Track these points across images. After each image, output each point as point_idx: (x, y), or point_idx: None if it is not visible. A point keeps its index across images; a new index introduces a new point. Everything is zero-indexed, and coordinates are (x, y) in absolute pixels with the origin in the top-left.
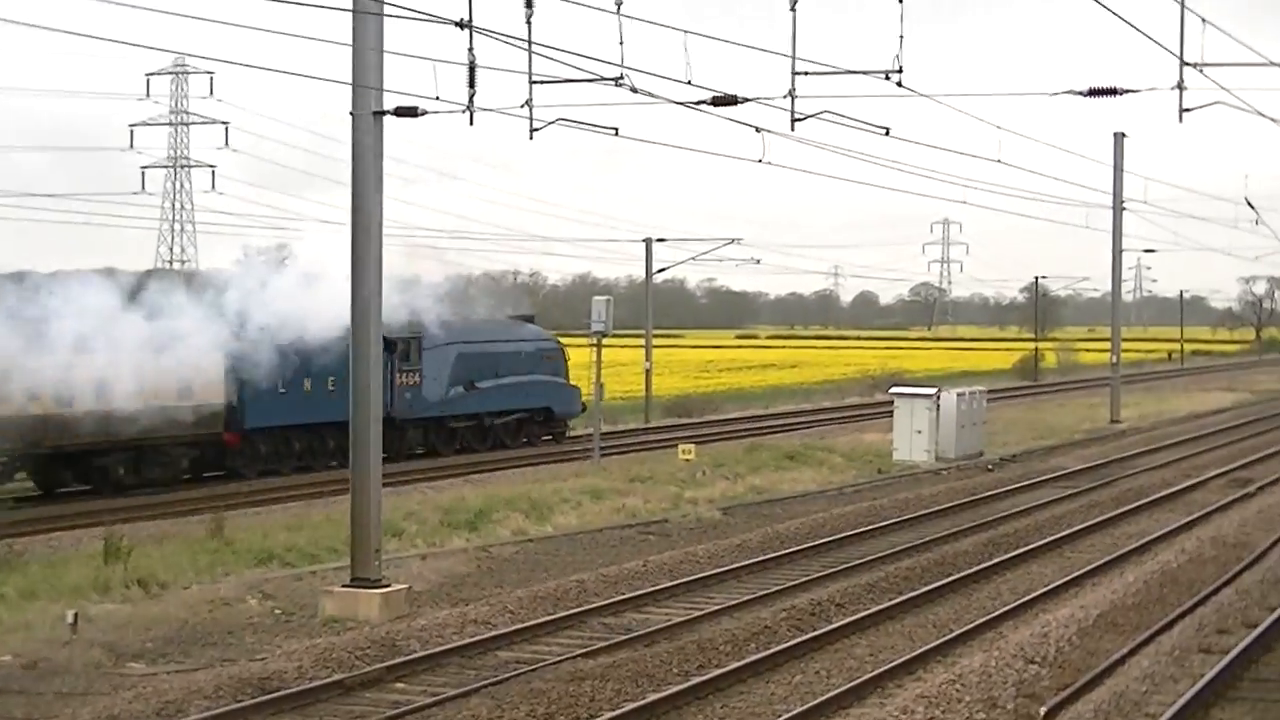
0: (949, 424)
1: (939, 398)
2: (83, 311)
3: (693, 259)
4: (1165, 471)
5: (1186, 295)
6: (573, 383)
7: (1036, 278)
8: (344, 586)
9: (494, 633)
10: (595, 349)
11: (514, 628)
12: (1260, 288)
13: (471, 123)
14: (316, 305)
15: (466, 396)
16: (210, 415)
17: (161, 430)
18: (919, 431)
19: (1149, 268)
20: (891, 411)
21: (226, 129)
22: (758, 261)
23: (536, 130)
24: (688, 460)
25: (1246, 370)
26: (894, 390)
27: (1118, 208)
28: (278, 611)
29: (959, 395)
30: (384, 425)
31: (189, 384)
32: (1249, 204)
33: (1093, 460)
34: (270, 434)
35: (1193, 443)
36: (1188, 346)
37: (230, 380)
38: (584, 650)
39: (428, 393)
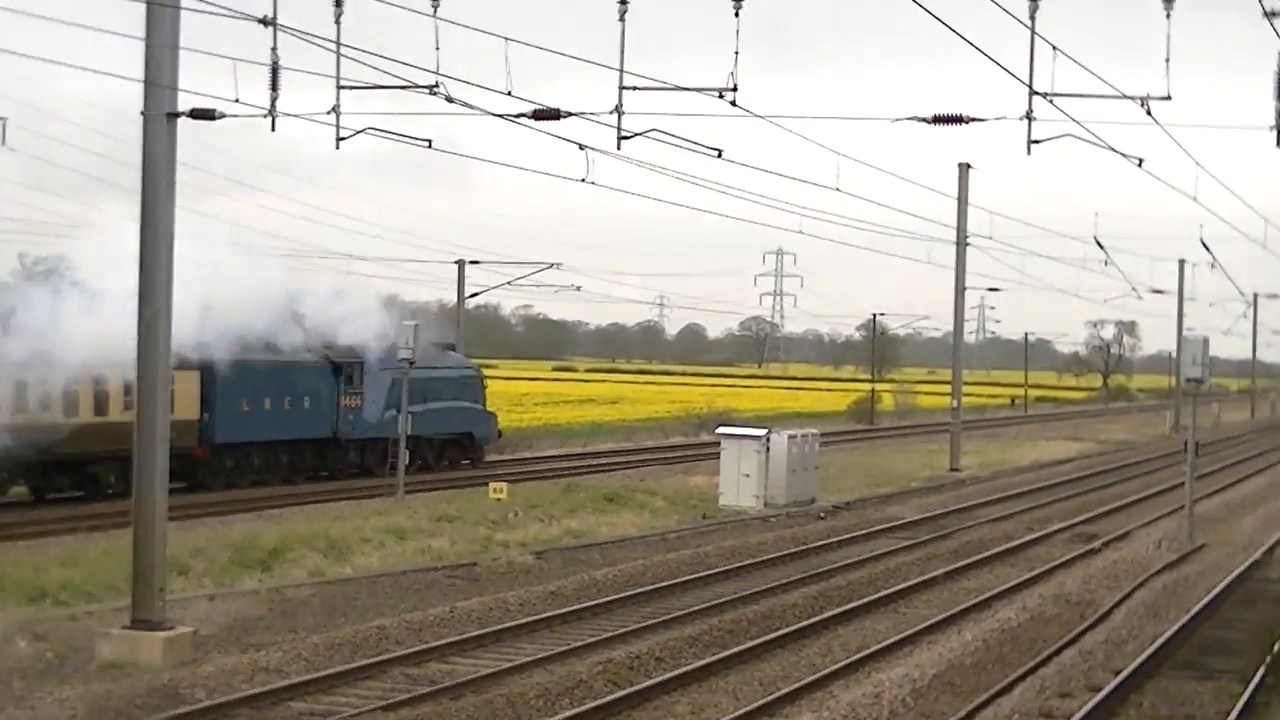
0: (779, 468)
1: (769, 440)
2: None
3: (509, 283)
4: (1007, 524)
5: (1032, 338)
6: (489, 409)
7: (875, 315)
8: (124, 628)
9: (287, 682)
10: (402, 379)
11: (309, 676)
12: (1108, 332)
13: (274, 128)
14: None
15: (395, 420)
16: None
17: None
18: (747, 475)
19: (993, 307)
20: (718, 453)
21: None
22: (578, 288)
23: (344, 139)
24: (499, 500)
25: (1093, 418)
26: (721, 430)
27: (961, 242)
28: (50, 655)
29: (790, 438)
30: (327, 444)
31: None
32: (1098, 243)
33: (931, 510)
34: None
35: (1036, 494)
36: (1032, 392)
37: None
38: (384, 703)
39: (368, 414)
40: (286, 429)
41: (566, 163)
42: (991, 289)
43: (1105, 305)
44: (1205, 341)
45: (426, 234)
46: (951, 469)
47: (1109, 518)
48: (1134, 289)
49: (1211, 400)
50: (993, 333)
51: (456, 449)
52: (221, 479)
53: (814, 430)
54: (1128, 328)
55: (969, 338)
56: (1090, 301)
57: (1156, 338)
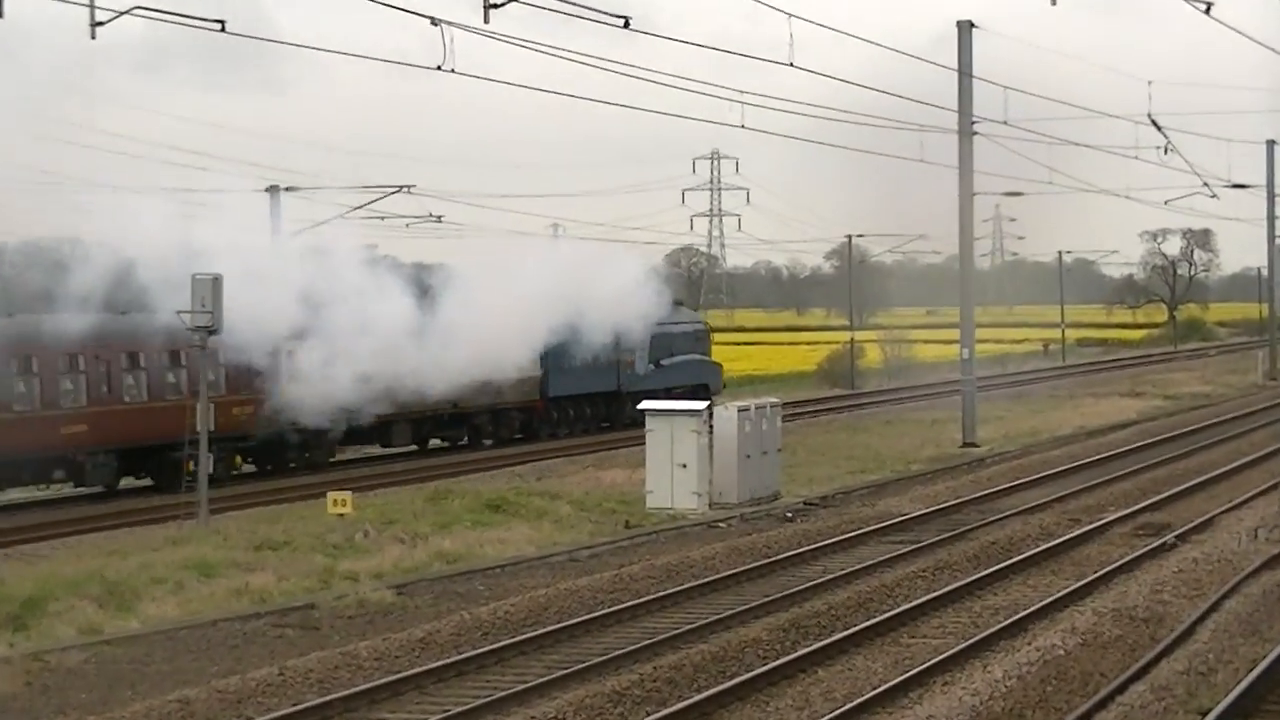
0: (728, 454)
1: (711, 415)
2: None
3: (343, 216)
4: (1044, 516)
5: (1068, 259)
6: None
7: (849, 237)
8: None
9: None
10: (196, 350)
11: None
12: (1173, 246)
13: (1, 14)
14: None
15: (656, 373)
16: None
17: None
18: (684, 465)
19: (1013, 219)
20: (643, 436)
21: None
22: (438, 219)
23: (100, 24)
24: (342, 515)
25: (1157, 365)
26: (645, 406)
27: (966, 131)
28: None
29: (742, 411)
30: (612, 397)
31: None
32: (1154, 124)
33: (940, 502)
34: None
35: (1083, 473)
36: (1073, 333)
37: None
38: None
39: (639, 368)
40: (591, 384)
41: (416, 45)
42: (1010, 194)
43: (1167, 210)
44: None
45: (226, 153)
46: (965, 444)
47: (1184, 501)
48: (1205, 185)
49: None
50: (1015, 254)
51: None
52: (550, 429)
53: (774, 399)
54: (1200, 239)
55: (982, 262)
56: (1147, 205)
57: (1240, 251)
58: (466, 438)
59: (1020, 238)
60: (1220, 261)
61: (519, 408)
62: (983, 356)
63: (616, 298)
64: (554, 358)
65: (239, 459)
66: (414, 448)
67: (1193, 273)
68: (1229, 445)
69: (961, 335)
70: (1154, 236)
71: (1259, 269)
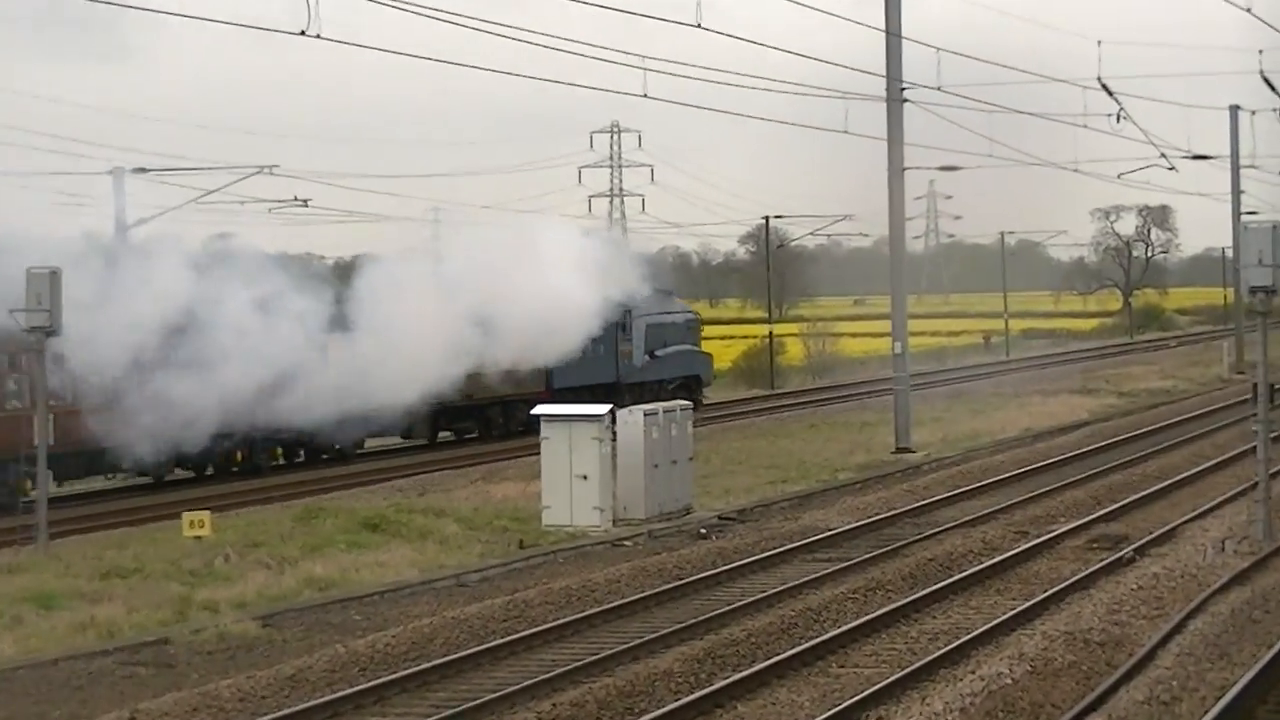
0: (634, 463)
1: (614, 420)
2: None
3: (197, 200)
4: (988, 528)
5: (1011, 240)
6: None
7: (767, 219)
8: None
9: None
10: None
11: None
12: (1127, 225)
13: None
14: None
15: (651, 364)
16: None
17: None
18: (584, 477)
19: (949, 197)
20: (539, 444)
21: None
22: (305, 202)
23: None
24: (199, 537)
25: (1111, 359)
26: (540, 411)
27: (896, 98)
28: None
29: (649, 415)
30: (611, 389)
31: None
32: (1105, 89)
33: (871, 514)
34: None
35: (1031, 480)
36: (1017, 324)
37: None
38: None
39: (635, 360)
40: (594, 375)
41: (278, 9)
42: (946, 168)
43: (1121, 184)
44: (1277, 231)
45: (63, 129)
46: (899, 449)
47: (1143, 510)
48: (1163, 156)
49: None
50: (951, 236)
51: (683, 393)
52: None
53: (684, 402)
54: (1157, 217)
55: (915, 245)
56: (1098, 180)
57: (1202, 230)
58: (478, 430)
59: (957, 217)
60: (1180, 242)
61: (528, 399)
62: (917, 351)
63: (603, 284)
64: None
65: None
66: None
67: (1150, 254)
68: (1192, 447)
69: (893, 327)
70: (1106, 214)
71: (1223, 249)
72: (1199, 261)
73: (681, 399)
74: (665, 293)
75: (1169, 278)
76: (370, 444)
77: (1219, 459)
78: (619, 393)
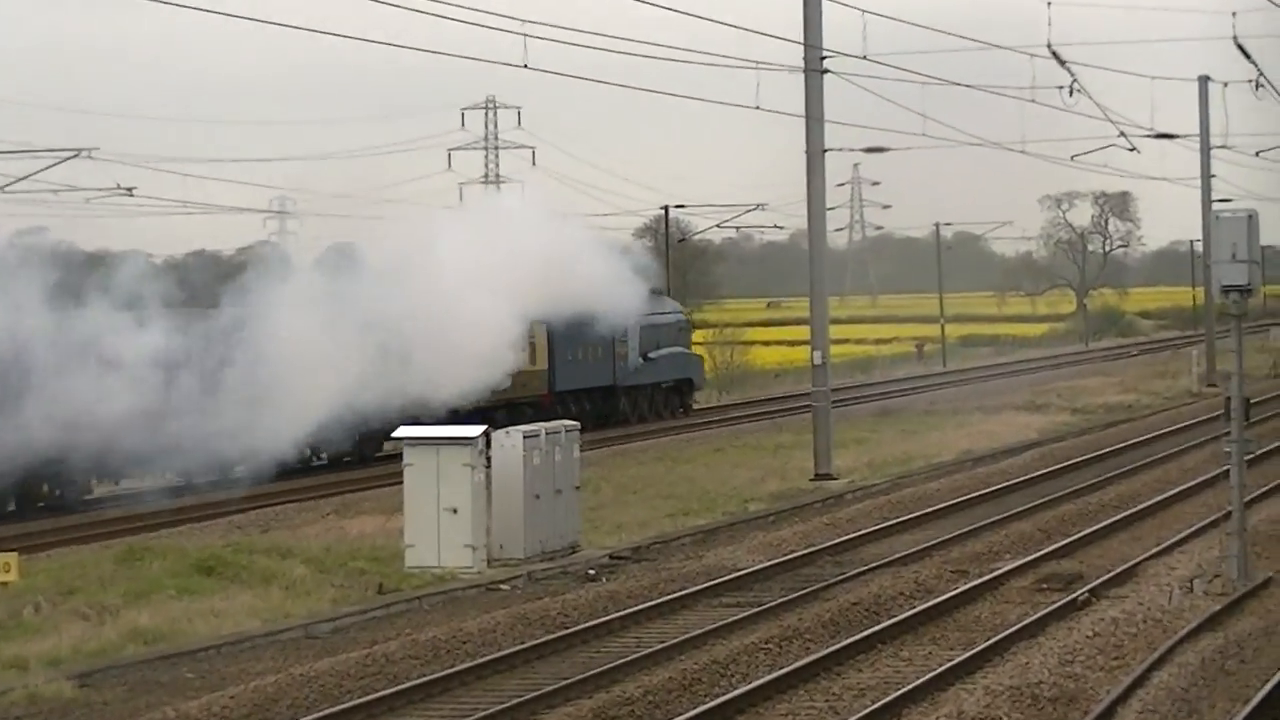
0: (512, 494)
1: (488, 442)
2: None
3: (1, 189)
4: (921, 567)
5: (948, 233)
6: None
7: (666, 209)
8: None
9: None
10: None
11: None
12: (1081, 215)
13: None
14: None
15: (645, 367)
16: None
17: None
18: (454, 510)
19: (876, 183)
20: (401, 471)
21: None
22: (129, 191)
23: None
24: (4, 584)
25: (1064, 369)
26: (402, 433)
27: (814, 66)
28: None
29: (529, 438)
30: (608, 392)
31: None
32: (1055, 57)
33: (787, 551)
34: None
35: (970, 511)
36: (955, 329)
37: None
38: None
39: (630, 362)
40: (593, 377)
41: None
42: (873, 150)
43: (1074, 168)
44: (1253, 220)
45: None
46: (819, 475)
47: (1099, 545)
48: (1122, 135)
49: (1269, 325)
50: (880, 228)
51: (675, 396)
52: None
53: (570, 422)
54: (1116, 205)
55: (838, 239)
56: (1048, 163)
57: (1167, 220)
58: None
59: (886, 207)
60: (1142, 234)
61: (530, 402)
62: (840, 361)
63: (606, 281)
64: (560, 348)
65: None
66: None
67: (1108, 249)
68: (1156, 471)
69: (812, 334)
70: (1057, 203)
71: (1192, 243)
72: (1164, 257)
73: (674, 403)
74: (656, 292)
75: (1130, 276)
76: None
77: (1187, 485)
78: (616, 396)
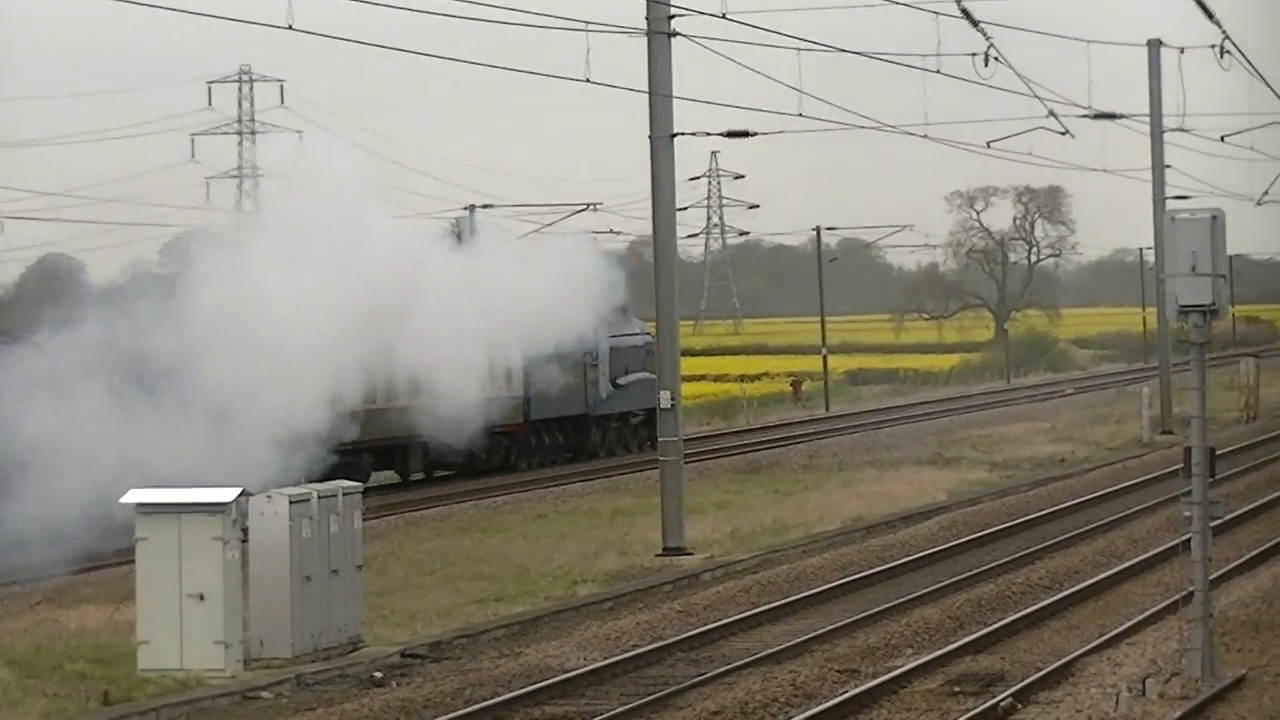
0: (276, 575)
1: (245, 509)
2: None
3: None
4: (798, 666)
5: (831, 240)
6: None
7: (471, 209)
8: None
9: None
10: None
11: None
12: (1000, 216)
13: None
14: None
15: (615, 394)
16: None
17: None
18: (200, 598)
19: (740, 176)
20: (132, 550)
21: None
22: None
23: None
24: None
25: (981, 414)
26: (132, 499)
27: (659, 26)
28: None
29: (298, 503)
30: (580, 421)
31: None
32: (967, 17)
33: (628, 646)
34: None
35: (861, 595)
36: (841, 363)
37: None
38: None
39: (601, 389)
40: (568, 405)
41: None
42: (735, 134)
43: (991, 157)
44: (1217, 223)
45: None
46: (668, 549)
47: (1025, 636)
48: (1052, 115)
49: (1238, 355)
50: (745, 234)
51: (644, 429)
52: (531, 457)
53: (349, 482)
54: (1045, 204)
55: (691, 248)
56: (958, 151)
57: (1109, 223)
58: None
59: (753, 207)
60: (1078, 241)
61: (505, 432)
62: (694, 404)
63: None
64: (535, 374)
65: None
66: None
67: (1034, 259)
68: (1097, 542)
69: (659, 370)
70: (970, 201)
71: (1140, 251)
72: (1106, 270)
73: (643, 435)
74: (621, 309)
75: (1062, 293)
76: None
77: (1137, 559)
78: (587, 428)
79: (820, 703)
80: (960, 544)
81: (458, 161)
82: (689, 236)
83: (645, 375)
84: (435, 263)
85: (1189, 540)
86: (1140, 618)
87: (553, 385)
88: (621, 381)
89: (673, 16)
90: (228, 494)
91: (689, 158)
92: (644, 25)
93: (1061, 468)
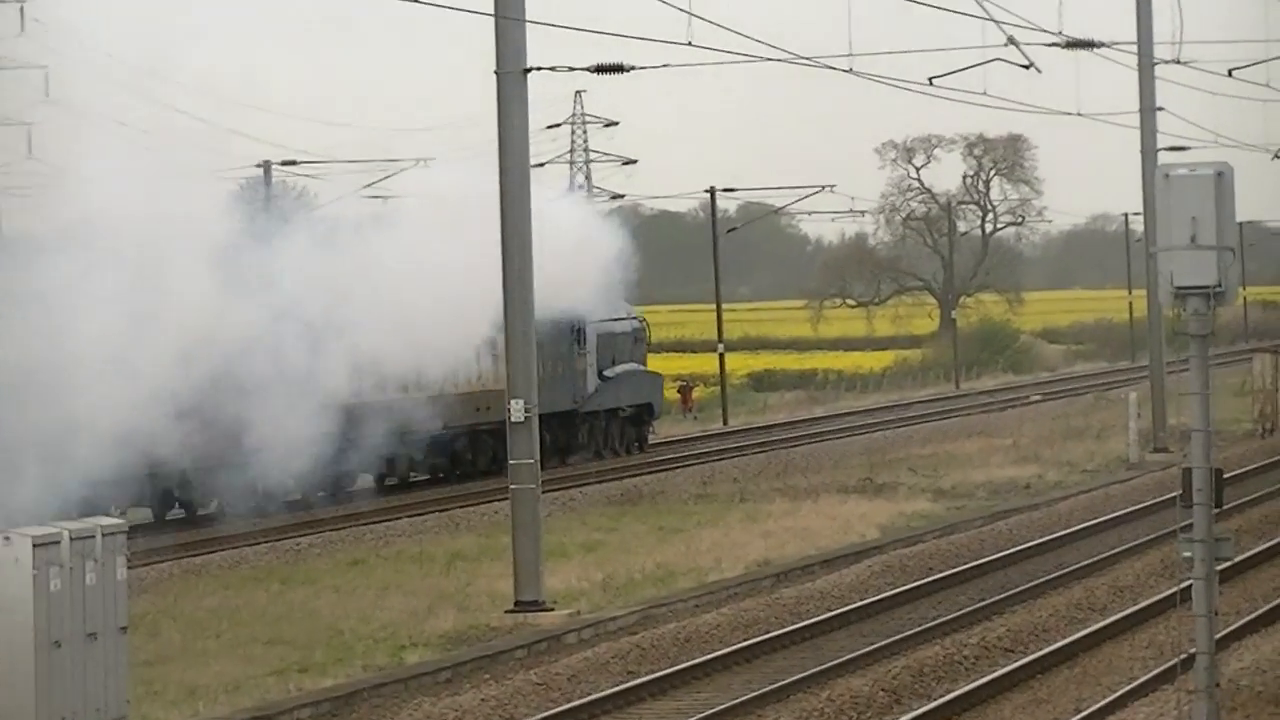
0: (16, 641)
1: None
2: None
3: None
4: None
5: (729, 205)
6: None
7: (266, 165)
8: None
9: None
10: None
11: None
12: (948, 173)
13: None
14: None
15: (602, 388)
16: None
17: None
18: None
19: (613, 123)
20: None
21: None
22: None
23: None
24: None
25: (924, 427)
26: None
27: None
28: None
29: (43, 547)
30: (565, 420)
31: None
32: None
33: None
34: None
35: (771, 660)
36: (742, 362)
37: None
38: None
39: (589, 383)
40: (553, 400)
41: None
42: (605, 69)
43: (933, 97)
44: (1224, 181)
45: None
46: (522, 603)
47: (980, 713)
48: (1011, 43)
49: (1250, 351)
50: (620, 198)
51: (632, 427)
52: None
53: (113, 520)
54: (1002, 158)
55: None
56: (891, 90)
57: (1083, 184)
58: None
59: (629, 162)
60: (1045, 205)
61: (492, 430)
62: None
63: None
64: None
65: None
66: None
67: (990, 228)
68: (1072, 592)
69: (509, 372)
70: (907, 154)
71: (1126, 218)
72: (1080, 242)
73: (630, 435)
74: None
75: (1027, 272)
76: None
77: (1121, 614)
78: (576, 425)
79: None
80: (897, 595)
81: (255, 105)
82: (550, 201)
83: (634, 367)
84: None
85: (1189, 589)
86: (1127, 688)
87: (543, 375)
88: (609, 374)
89: None
90: None
91: (547, 97)
92: None
93: (1026, 496)
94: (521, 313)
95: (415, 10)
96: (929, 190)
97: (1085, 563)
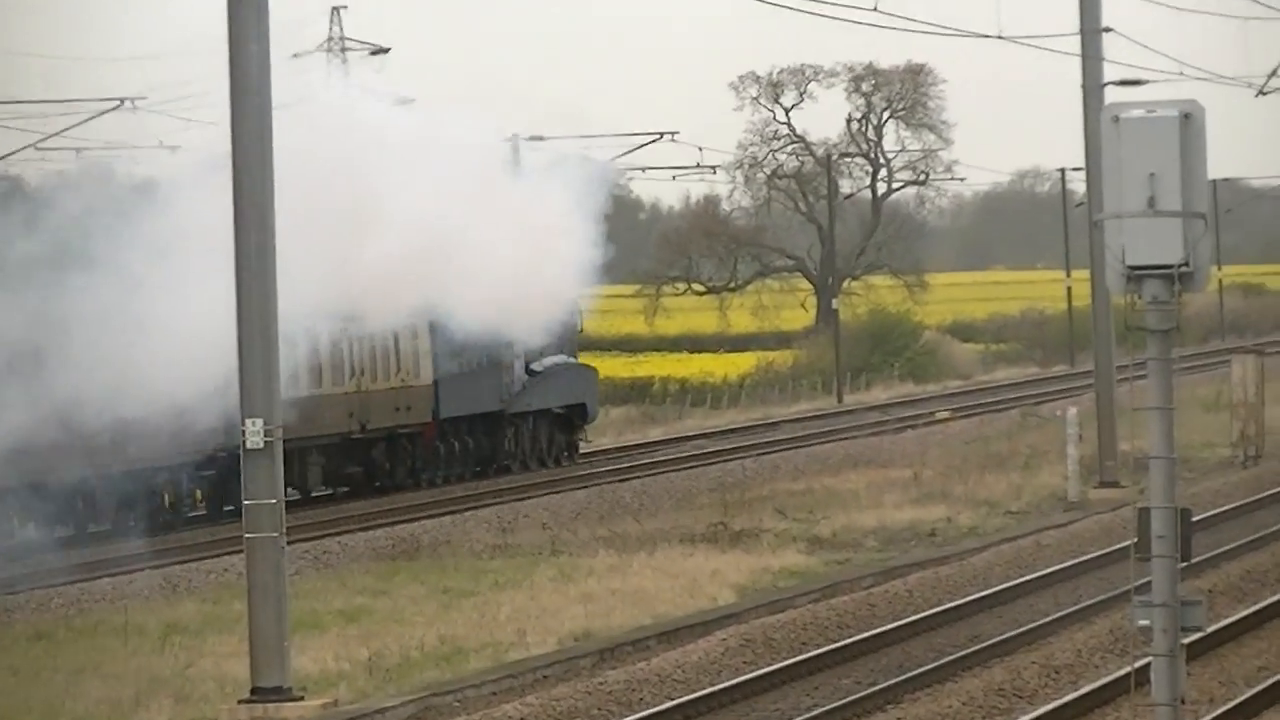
0: None
1: None
2: None
3: None
4: None
5: (536, 155)
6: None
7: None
8: None
9: None
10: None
11: None
12: (827, 117)
13: None
14: None
15: (531, 385)
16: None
17: None
18: None
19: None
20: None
21: None
22: None
23: None
24: None
25: (797, 450)
26: None
27: None
28: None
29: None
30: (495, 421)
31: None
32: None
33: None
34: None
35: None
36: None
37: None
38: None
39: (516, 378)
40: (482, 400)
41: None
42: None
43: (809, 13)
44: (1190, 125)
45: None
46: (259, 690)
47: None
48: None
49: (1228, 351)
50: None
51: (562, 432)
52: (440, 468)
53: None
54: (900, 95)
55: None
56: (754, 6)
57: (1005, 131)
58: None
59: (379, 52)
60: (956, 157)
61: (410, 433)
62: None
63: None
64: (445, 359)
65: None
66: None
67: (883, 187)
68: (991, 674)
69: (241, 383)
70: (773, 90)
71: (1062, 173)
72: (1002, 207)
73: (560, 441)
74: None
75: (932, 248)
76: None
77: (1056, 703)
78: (501, 428)
79: None
80: (758, 679)
81: None
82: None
83: (564, 360)
84: None
85: (1146, 668)
86: None
87: (464, 373)
88: (536, 368)
89: None
90: None
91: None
92: None
93: (931, 547)
94: (260, 303)
95: None
96: (802, 139)
97: (1009, 634)
